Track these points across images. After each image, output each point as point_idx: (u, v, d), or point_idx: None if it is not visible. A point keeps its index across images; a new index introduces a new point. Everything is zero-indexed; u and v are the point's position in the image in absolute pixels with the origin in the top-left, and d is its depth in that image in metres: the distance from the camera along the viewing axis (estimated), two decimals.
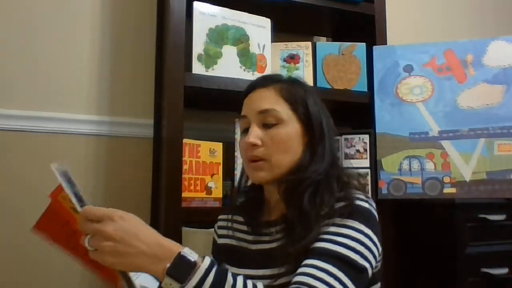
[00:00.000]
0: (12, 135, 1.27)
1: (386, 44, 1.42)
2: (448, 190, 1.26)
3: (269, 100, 0.81)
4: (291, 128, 0.80)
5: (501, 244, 1.27)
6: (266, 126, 0.80)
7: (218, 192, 1.22)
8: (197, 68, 1.19)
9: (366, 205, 0.74)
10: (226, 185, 1.27)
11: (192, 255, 0.59)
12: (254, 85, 0.86)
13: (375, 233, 0.72)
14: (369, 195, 0.81)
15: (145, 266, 0.58)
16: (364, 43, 1.40)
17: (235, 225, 0.88)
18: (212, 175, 1.22)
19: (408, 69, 1.35)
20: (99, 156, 1.36)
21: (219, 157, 1.23)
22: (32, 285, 1.25)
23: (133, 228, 0.59)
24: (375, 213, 0.75)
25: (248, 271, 0.77)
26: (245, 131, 0.83)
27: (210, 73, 1.20)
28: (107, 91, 1.40)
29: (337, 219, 0.71)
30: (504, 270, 1.22)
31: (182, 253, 0.59)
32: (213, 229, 0.95)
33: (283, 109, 0.80)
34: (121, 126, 1.38)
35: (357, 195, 0.75)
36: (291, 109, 0.81)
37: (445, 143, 1.28)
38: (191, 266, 0.58)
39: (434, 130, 1.30)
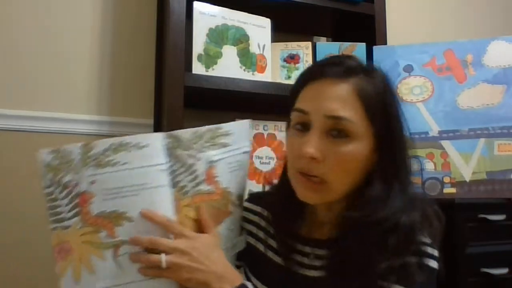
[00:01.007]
0: (12, 135, 1.27)
1: (386, 44, 1.42)
2: (448, 190, 1.26)
3: (345, 103, 0.61)
4: (363, 146, 0.62)
5: (501, 244, 1.27)
6: (331, 135, 0.62)
7: None
8: (197, 68, 1.19)
9: (435, 265, 0.62)
10: None
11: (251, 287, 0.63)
12: (326, 71, 0.64)
13: None
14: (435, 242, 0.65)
15: (211, 284, 0.60)
16: (364, 43, 1.40)
17: (267, 227, 0.74)
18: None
19: (408, 69, 1.35)
20: None
21: None
22: (32, 285, 1.25)
23: (206, 247, 0.63)
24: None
25: None
26: (301, 127, 0.65)
27: (210, 73, 1.20)
28: (107, 91, 1.40)
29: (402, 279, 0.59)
30: (504, 270, 1.22)
31: (244, 283, 0.63)
32: None
33: (359, 120, 0.61)
34: (121, 126, 1.38)
35: (429, 250, 0.62)
36: (368, 118, 0.62)
37: (445, 143, 1.28)
38: None
39: (434, 130, 1.29)
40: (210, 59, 1.21)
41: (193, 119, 1.39)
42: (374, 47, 1.39)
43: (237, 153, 0.74)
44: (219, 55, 1.23)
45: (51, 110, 1.32)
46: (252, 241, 0.76)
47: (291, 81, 1.36)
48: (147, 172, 0.64)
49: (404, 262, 0.59)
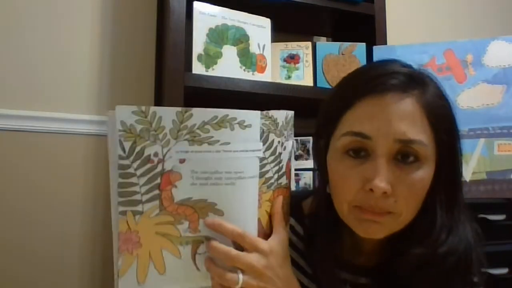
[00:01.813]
0: (12, 135, 1.27)
1: (386, 44, 1.42)
2: None
3: (413, 123, 0.52)
4: (431, 169, 0.54)
5: (501, 244, 1.27)
6: (397, 160, 0.52)
7: None
8: (197, 68, 1.19)
9: None
10: None
11: None
12: (384, 83, 0.54)
13: None
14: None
15: None
16: (364, 43, 1.40)
17: (298, 243, 0.65)
18: None
19: None
20: (99, 156, 1.36)
21: None
22: (33, 284, 1.25)
23: (279, 264, 0.54)
24: None
25: None
26: (355, 153, 0.54)
27: (210, 73, 1.20)
28: (107, 91, 1.40)
29: None
30: (504, 270, 1.22)
31: None
32: None
33: (430, 141, 0.53)
34: None
35: None
36: (434, 136, 0.53)
37: None
38: None
39: None
40: (210, 59, 1.21)
41: None
42: (374, 47, 1.39)
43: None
44: (219, 55, 1.23)
45: (51, 110, 1.32)
46: None
47: (291, 81, 1.36)
48: (247, 159, 0.54)
49: None
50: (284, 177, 0.60)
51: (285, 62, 1.38)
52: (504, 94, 1.27)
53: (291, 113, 0.60)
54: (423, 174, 0.52)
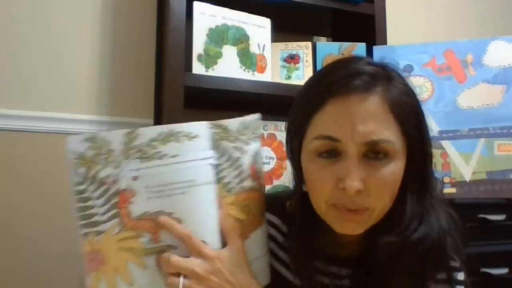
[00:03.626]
0: (12, 135, 1.27)
1: (386, 44, 1.42)
2: (448, 190, 1.26)
3: (378, 122, 0.53)
4: (401, 162, 0.55)
5: (501, 244, 1.27)
6: (368, 157, 0.54)
7: None
8: (197, 68, 1.19)
9: None
10: None
11: None
12: (349, 83, 0.54)
13: None
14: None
15: None
16: (364, 43, 1.40)
17: (281, 239, 0.66)
18: None
19: (408, 69, 1.35)
20: None
21: None
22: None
23: (227, 269, 0.55)
24: None
25: None
26: (327, 155, 0.55)
27: (210, 73, 1.20)
28: (107, 91, 1.40)
29: None
30: (504, 270, 1.22)
31: None
32: None
33: (396, 136, 0.54)
34: (121, 126, 1.38)
35: (459, 275, 0.60)
36: (402, 131, 0.55)
37: (445, 143, 1.28)
38: None
39: (434, 130, 1.29)
40: (210, 59, 1.21)
41: (193, 119, 1.38)
42: (374, 47, 1.39)
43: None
44: (219, 55, 1.23)
45: (51, 110, 1.32)
46: None
47: (291, 81, 1.36)
48: (198, 167, 0.56)
49: None
50: (249, 179, 0.61)
51: (285, 62, 1.38)
52: (504, 94, 1.27)
53: (251, 117, 0.63)
54: (394, 168, 0.54)
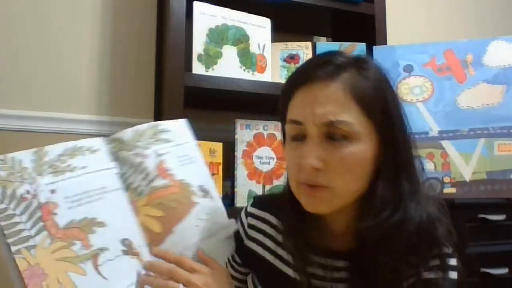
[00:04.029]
0: (12, 135, 1.27)
1: (386, 44, 1.42)
2: (448, 190, 1.26)
3: (336, 105, 0.57)
4: (366, 146, 0.58)
5: (501, 244, 1.27)
6: (330, 139, 0.58)
7: (218, 192, 1.22)
8: (197, 68, 1.19)
9: (456, 275, 0.61)
10: (226, 185, 1.27)
11: None
12: (313, 73, 0.59)
13: None
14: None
15: None
16: (364, 43, 1.40)
17: (278, 236, 0.69)
18: (212, 175, 1.22)
19: (408, 69, 1.35)
20: None
21: (219, 157, 1.23)
22: None
23: (218, 284, 0.62)
24: None
25: None
26: (297, 138, 0.61)
27: (210, 73, 1.20)
28: (107, 91, 1.40)
29: None
30: (504, 270, 1.22)
31: None
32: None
33: (356, 118, 0.57)
34: (121, 126, 1.37)
35: (451, 261, 0.61)
36: (365, 115, 0.58)
37: (445, 143, 1.28)
38: None
39: (434, 130, 1.29)
40: (210, 59, 1.21)
41: (193, 119, 1.38)
42: (374, 47, 1.39)
43: (184, 147, 0.74)
44: (219, 55, 1.23)
45: (51, 110, 1.32)
46: (258, 249, 0.72)
47: None
48: (106, 176, 0.63)
49: (429, 278, 0.58)
50: (158, 179, 0.67)
51: (285, 62, 1.38)
52: (504, 94, 1.27)
53: (147, 125, 0.70)
54: (354, 149, 0.57)
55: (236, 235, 0.77)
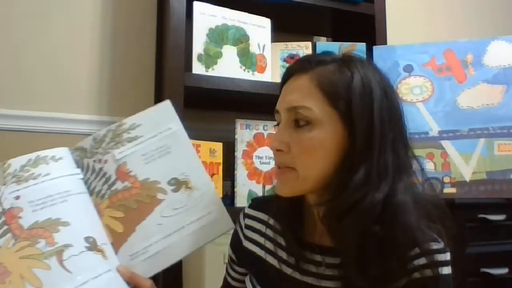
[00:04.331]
0: (12, 135, 1.27)
1: (386, 44, 1.42)
2: (448, 190, 1.26)
3: (302, 93, 0.62)
4: (327, 132, 0.61)
5: (501, 244, 1.27)
6: (295, 125, 0.63)
7: (218, 192, 1.22)
8: (197, 68, 1.19)
9: (449, 269, 0.61)
10: (226, 185, 1.27)
11: None
12: (291, 70, 0.67)
13: None
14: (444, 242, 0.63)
15: None
16: (364, 43, 1.40)
17: (272, 234, 0.71)
18: (212, 175, 1.22)
19: (408, 69, 1.35)
20: None
21: (219, 157, 1.23)
22: None
23: None
24: None
25: None
26: (278, 126, 0.67)
27: (210, 73, 1.20)
28: (107, 91, 1.40)
29: None
30: (504, 270, 1.22)
31: None
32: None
33: (317, 105, 0.61)
34: None
35: (441, 256, 0.60)
36: (330, 104, 0.61)
37: (445, 143, 1.28)
38: None
39: (434, 130, 1.29)
40: (210, 59, 1.21)
41: (193, 119, 1.38)
42: (374, 47, 1.39)
43: (157, 139, 0.75)
44: (219, 55, 1.23)
45: (51, 110, 1.32)
46: (256, 249, 0.73)
47: None
48: (69, 181, 0.69)
49: (421, 278, 0.58)
50: (118, 182, 0.72)
51: (285, 62, 1.38)
52: (504, 94, 1.27)
53: (103, 131, 0.75)
54: (313, 135, 0.61)
55: (235, 237, 0.78)
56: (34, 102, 1.31)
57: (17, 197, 0.64)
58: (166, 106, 0.78)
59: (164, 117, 0.77)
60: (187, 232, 0.73)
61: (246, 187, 1.25)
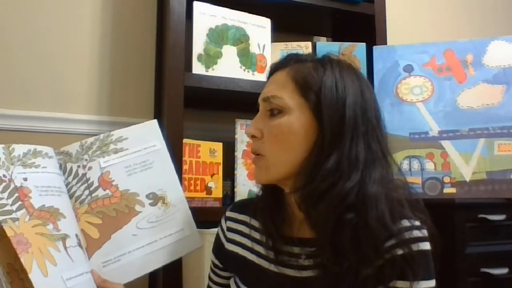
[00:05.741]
0: (12, 135, 1.27)
1: (386, 44, 1.42)
2: (448, 190, 1.26)
3: (277, 85, 0.67)
4: (296, 119, 0.64)
5: (501, 244, 1.27)
6: (269, 115, 0.67)
7: (218, 192, 1.22)
8: (197, 68, 1.19)
9: (427, 245, 0.62)
10: (226, 185, 1.27)
11: None
12: (274, 66, 0.72)
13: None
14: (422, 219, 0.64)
15: None
16: (364, 43, 1.40)
17: (253, 233, 0.73)
18: (212, 175, 1.22)
19: (408, 69, 1.35)
20: None
21: (219, 157, 1.24)
22: None
23: None
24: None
25: None
26: None
27: (210, 73, 1.20)
28: (107, 91, 1.40)
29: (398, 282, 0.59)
30: (504, 270, 1.22)
31: None
32: (215, 229, 0.82)
33: (289, 95, 0.65)
34: (121, 126, 1.37)
35: (416, 233, 0.61)
36: (301, 95, 0.65)
37: (445, 143, 1.28)
38: None
39: (434, 130, 1.29)
40: (210, 59, 1.21)
41: (193, 119, 1.39)
42: (374, 47, 1.39)
43: (141, 153, 0.78)
44: (219, 55, 1.23)
45: (51, 110, 1.32)
46: (238, 250, 0.74)
47: None
48: (60, 179, 0.72)
49: (395, 257, 0.59)
50: (100, 189, 0.75)
51: None
52: (504, 94, 1.27)
53: (91, 139, 0.78)
54: (283, 121, 0.65)
55: (217, 241, 0.80)
56: (34, 102, 1.31)
57: (25, 179, 0.67)
58: (153, 125, 0.82)
59: (150, 134, 0.81)
60: (158, 246, 0.76)
61: (246, 187, 1.25)
